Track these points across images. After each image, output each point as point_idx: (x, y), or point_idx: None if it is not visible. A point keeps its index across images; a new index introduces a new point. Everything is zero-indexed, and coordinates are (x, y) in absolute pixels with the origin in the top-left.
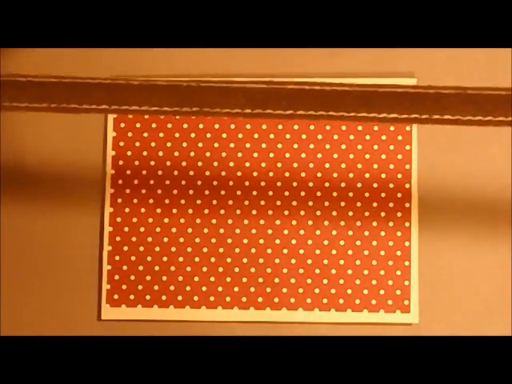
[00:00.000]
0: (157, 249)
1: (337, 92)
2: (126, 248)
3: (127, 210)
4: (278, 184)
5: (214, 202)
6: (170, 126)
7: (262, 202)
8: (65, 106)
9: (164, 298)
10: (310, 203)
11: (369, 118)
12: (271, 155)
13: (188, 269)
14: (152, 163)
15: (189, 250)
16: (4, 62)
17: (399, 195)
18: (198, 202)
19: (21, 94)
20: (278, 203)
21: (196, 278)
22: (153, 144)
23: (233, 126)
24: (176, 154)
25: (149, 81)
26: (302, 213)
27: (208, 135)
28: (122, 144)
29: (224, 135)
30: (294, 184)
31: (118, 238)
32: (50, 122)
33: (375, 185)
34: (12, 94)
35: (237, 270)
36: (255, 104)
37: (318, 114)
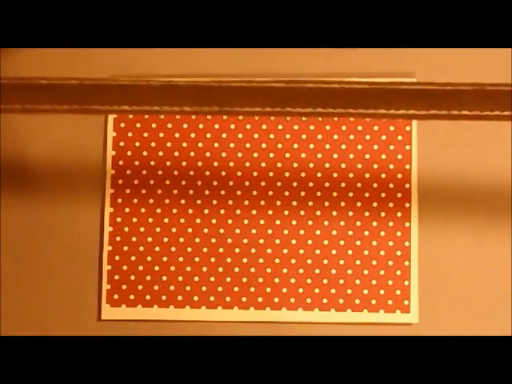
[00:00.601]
0: (157, 249)
1: (356, 90)
2: (126, 248)
3: (127, 209)
4: (278, 184)
5: (214, 201)
6: (170, 126)
7: (262, 202)
8: (86, 107)
9: (164, 297)
10: (310, 203)
11: (387, 114)
12: (271, 155)
13: (188, 269)
14: (152, 163)
15: (189, 249)
16: (4, 62)
17: (399, 195)
18: (198, 201)
19: (40, 96)
20: (278, 203)
21: (196, 278)
22: (153, 144)
23: (233, 126)
24: (176, 153)
25: (168, 81)
26: (302, 213)
27: (208, 135)
28: (122, 144)
29: (224, 135)
30: (294, 184)
31: (118, 238)
32: (50, 122)
33: (375, 185)
34: (28, 96)
35: (237, 270)
36: (274, 103)
37: (337, 111)
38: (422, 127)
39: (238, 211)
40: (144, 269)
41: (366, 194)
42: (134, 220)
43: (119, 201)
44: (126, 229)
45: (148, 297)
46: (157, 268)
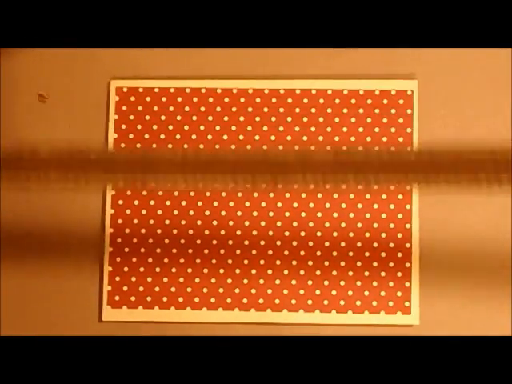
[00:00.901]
0: (158, 250)
1: (406, 160)
2: (126, 249)
3: (128, 211)
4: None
5: (215, 203)
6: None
7: (263, 203)
8: (129, 178)
9: (165, 299)
10: (311, 204)
11: (438, 181)
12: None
13: (189, 270)
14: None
15: (190, 251)
16: (4, 62)
17: (399, 196)
18: (199, 203)
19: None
20: (279, 204)
21: (197, 280)
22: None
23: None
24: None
25: (220, 155)
26: (303, 214)
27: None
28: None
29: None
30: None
31: (118, 239)
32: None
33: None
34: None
35: (238, 271)
36: (324, 176)
37: (386, 182)
38: (422, 135)
39: (239, 212)
40: (145, 270)
41: (367, 195)
42: (135, 221)
43: (120, 202)
44: (127, 230)
45: (149, 298)
46: (158, 269)
